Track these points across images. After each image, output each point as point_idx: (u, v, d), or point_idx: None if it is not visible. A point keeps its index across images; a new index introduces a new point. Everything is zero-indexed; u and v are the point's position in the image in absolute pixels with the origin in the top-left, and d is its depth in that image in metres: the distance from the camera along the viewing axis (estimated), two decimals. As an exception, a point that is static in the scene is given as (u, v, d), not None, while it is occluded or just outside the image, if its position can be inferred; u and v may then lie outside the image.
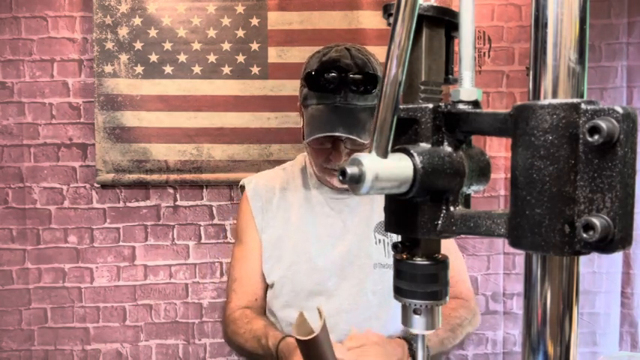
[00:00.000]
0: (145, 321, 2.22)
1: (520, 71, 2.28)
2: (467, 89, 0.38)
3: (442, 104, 0.39)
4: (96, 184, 2.18)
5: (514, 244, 0.33)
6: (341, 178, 0.34)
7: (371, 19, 2.15)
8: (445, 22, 0.42)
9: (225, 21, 2.13)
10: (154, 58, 2.12)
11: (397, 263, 0.42)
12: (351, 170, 0.34)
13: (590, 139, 0.29)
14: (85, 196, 2.19)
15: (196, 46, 2.13)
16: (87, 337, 2.20)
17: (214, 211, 2.23)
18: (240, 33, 2.14)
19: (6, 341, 2.19)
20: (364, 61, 1.06)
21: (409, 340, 1.04)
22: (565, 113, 0.30)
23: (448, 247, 1.21)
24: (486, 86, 2.26)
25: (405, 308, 0.42)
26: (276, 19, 2.14)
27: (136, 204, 2.20)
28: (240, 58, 2.14)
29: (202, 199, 2.22)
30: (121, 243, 2.21)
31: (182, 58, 2.13)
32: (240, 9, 2.13)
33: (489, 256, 2.32)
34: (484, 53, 2.26)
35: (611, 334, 2.33)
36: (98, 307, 2.21)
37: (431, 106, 0.39)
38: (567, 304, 0.33)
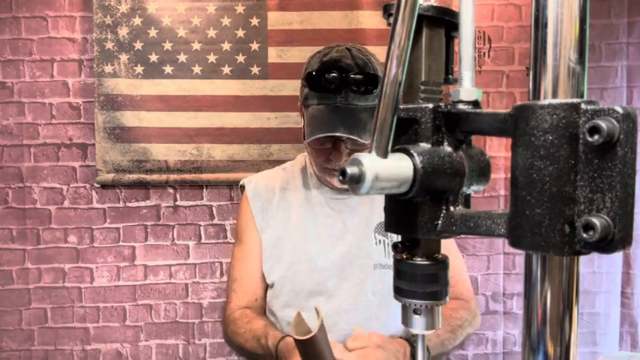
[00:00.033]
0: (145, 321, 2.22)
1: (520, 71, 2.28)
2: (467, 89, 0.38)
3: (442, 104, 0.39)
4: (96, 184, 2.18)
5: (514, 244, 0.33)
6: (341, 178, 0.34)
7: (371, 19, 2.15)
8: (445, 22, 0.42)
9: (225, 21, 2.14)
10: (153, 58, 2.12)
11: (397, 263, 0.42)
12: (351, 170, 0.34)
13: (590, 139, 0.29)
14: (85, 196, 2.19)
15: (196, 46, 2.13)
16: (87, 337, 2.20)
17: (214, 211, 2.23)
18: (240, 33, 2.14)
19: (6, 341, 2.19)
20: (365, 62, 1.06)
21: (411, 342, 1.04)
22: (565, 113, 0.30)
23: (448, 247, 1.21)
24: (486, 86, 2.26)
25: (405, 308, 0.42)
26: (276, 19, 2.14)
27: (135, 204, 2.20)
28: (240, 58, 2.14)
29: (202, 199, 2.22)
30: (121, 243, 2.21)
31: (182, 58, 2.13)
32: (240, 9, 2.13)
33: (489, 256, 2.32)
34: (484, 53, 2.26)
35: (611, 334, 2.33)
36: (98, 307, 2.21)
37: (431, 106, 0.39)
38: (567, 304, 0.33)
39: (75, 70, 2.16)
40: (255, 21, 2.14)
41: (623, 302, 2.33)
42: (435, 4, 0.40)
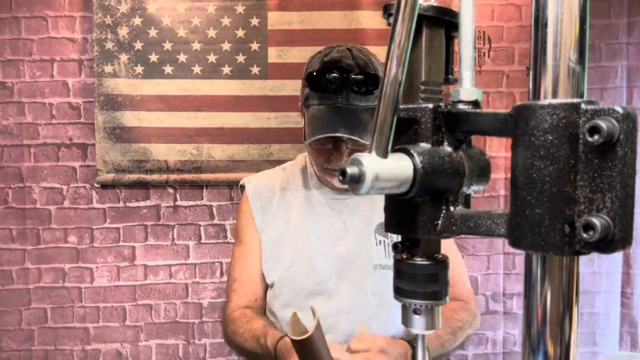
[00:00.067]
0: (145, 321, 2.22)
1: (520, 71, 2.28)
2: (467, 89, 0.38)
3: (442, 104, 0.39)
4: (96, 184, 2.18)
5: (514, 244, 0.33)
6: (341, 178, 0.34)
7: (371, 19, 2.15)
8: (445, 22, 0.42)
9: (225, 21, 2.14)
10: (153, 58, 2.13)
11: (397, 263, 0.42)
12: (351, 170, 0.34)
13: (590, 139, 0.29)
14: (85, 196, 2.19)
15: (196, 46, 2.13)
16: (87, 337, 2.20)
17: (214, 211, 2.23)
18: (240, 33, 2.14)
19: (6, 341, 2.19)
20: (366, 62, 1.06)
21: (413, 344, 1.04)
22: (565, 113, 0.30)
23: (448, 248, 1.21)
24: (486, 86, 2.26)
25: (405, 308, 0.42)
26: (276, 19, 2.14)
27: (135, 204, 2.20)
28: (240, 58, 2.14)
29: (202, 199, 2.22)
30: (121, 243, 2.21)
31: (182, 58, 2.13)
32: (240, 9, 2.13)
33: (489, 256, 2.32)
34: (484, 53, 2.26)
35: (611, 334, 2.33)
36: (98, 307, 2.21)
37: (431, 106, 0.39)
38: (567, 304, 0.33)
39: (75, 70, 2.16)
40: (255, 21, 2.14)
41: (623, 302, 2.33)
42: (435, 4, 0.40)
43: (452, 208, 0.39)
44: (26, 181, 2.16)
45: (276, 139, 2.17)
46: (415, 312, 0.41)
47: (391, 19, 0.36)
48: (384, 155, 0.36)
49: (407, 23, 0.35)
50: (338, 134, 1.02)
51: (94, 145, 2.15)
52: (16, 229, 2.17)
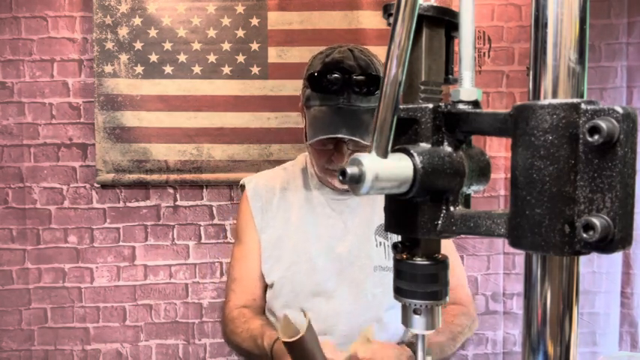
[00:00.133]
0: (145, 321, 2.22)
1: (520, 71, 2.28)
2: (467, 89, 0.38)
3: (442, 104, 0.39)
4: (96, 184, 2.18)
5: (514, 244, 0.33)
6: (341, 178, 0.34)
7: (371, 19, 2.15)
8: (445, 22, 0.42)
9: (225, 21, 2.14)
10: (153, 58, 2.13)
11: (397, 263, 0.42)
12: (351, 170, 0.34)
13: (590, 139, 0.29)
14: (85, 196, 2.19)
15: (196, 46, 2.13)
16: (87, 337, 2.20)
17: (214, 211, 2.23)
18: (240, 33, 2.14)
19: (6, 341, 2.19)
20: (367, 63, 1.06)
21: (414, 349, 1.03)
22: (565, 113, 0.30)
23: (448, 251, 1.20)
24: (486, 86, 2.26)
25: (405, 308, 0.42)
26: (276, 19, 2.14)
27: (136, 204, 2.20)
28: (240, 58, 2.14)
29: (202, 199, 2.22)
30: (121, 243, 2.21)
31: (182, 58, 2.13)
32: (240, 9, 2.13)
33: (489, 256, 2.32)
34: (484, 53, 2.26)
35: (610, 334, 2.33)
36: (98, 307, 2.21)
37: (431, 106, 0.39)
38: (567, 304, 0.33)
39: (75, 70, 2.16)
40: (255, 21, 2.14)
41: (623, 302, 2.33)
42: (435, 4, 0.40)
43: (452, 208, 0.39)
44: (26, 181, 2.16)
45: (276, 139, 2.17)
46: (415, 312, 0.41)
47: (391, 19, 0.36)
48: (384, 155, 0.36)
49: (407, 23, 0.35)
50: (339, 135, 1.02)
51: (94, 145, 2.15)
52: (16, 229, 2.17)
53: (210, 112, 2.15)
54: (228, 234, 2.23)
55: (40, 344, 2.19)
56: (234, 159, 2.17)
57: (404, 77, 0.36)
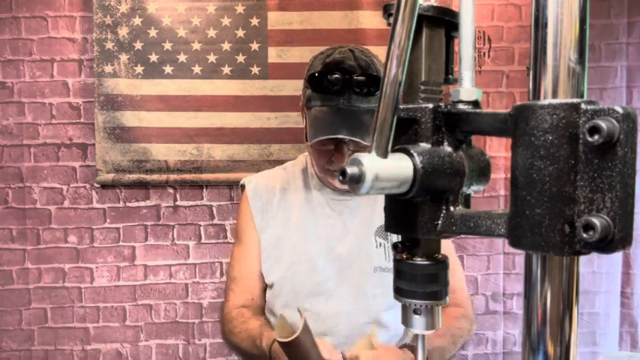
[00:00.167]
0: (145, 321, 2.22)
1: (520, 71, 2.28)
2: (467, 89, 0.38)
3: (442, 104, 0.39)
4: (96, 184, 2.18)
5: (514, 244, 0.33)
6: (341, 178, 0.34)
7: (371, 19, 2.15)
8: (445, 22, 0.42)
9: (225, 21, 2.14)
10: (153, 58, 2.13)
11: (397, 263, 0.42)
12: (351, 170, 0.34)
13: (590, 139, 0.29)
14: (85, 196, 2.19)
15: (196, 46, 2.13)
16: (87, 337, 2.20)
17: (214, 211, 2.23)
18: (240, 33, 2.14)
19: (6, 341, 2.19)
20: (368, 63, 1.06)
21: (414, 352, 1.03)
22: (565, 113, 0.30)
23: (447, 253, 1.20)
24: (486, 86, 2.26)
25: (405, 308, 0.42)
26: (276, 19, 2.14)
27: (136, 204, 2.20)
28: (240, 58, 2.14)
29: (202, 199, 2.22)
30: (121, 243, 2.21)
31: (182, 58, 2.13)
32: (240, 9, 2.13)
33: (489, 256, 2.32)
34: (484, 53, 2.26)
35: (610, 334, 2.33)
36: (98, 307, 2.21)
37: (431, 106, 0.39)
38: (567, 304, 0.33)
39: (75, 70, 2.16)
40: (255, 21, 2.14)
41: (623, 302, 2.33)
42: (435, 4, 0.40)
43: (452, 208, 0.39)
44: (26, 181, 2.16)
45: (276, 139, 2.17)
46: (415, 312, 0.41)
47: (391, 19, 0.36)
48: (384, 155, 0.36)
49: (407, 23, 0.35)
50: (340, 136, 1.02)
51: (94, 145, 2.15)
52: (16, 229, 2.17)
53: (210, 112, 2.15)
54: (228, 234, 2.23)
55: (40, 344, 2.19)
56: (234, 159, 2.17)
57: (404, 77, 0.36)
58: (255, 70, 2.15)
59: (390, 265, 1.13)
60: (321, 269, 1.14)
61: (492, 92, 2.28)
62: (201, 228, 2.23)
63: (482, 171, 0.40)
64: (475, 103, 0.38)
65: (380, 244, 1.16)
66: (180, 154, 2.16)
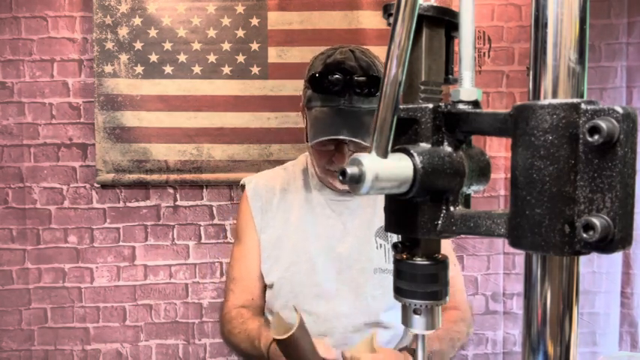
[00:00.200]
0: (145, 321, 2.22)
1: (520, 71, 2.28)
2: (467, 89, 0.38)
3: (442, 104, 0.39)
4: (96, 184, 2.18)
5: (514, 244, 0.33)
6: (341, 178, 0.34)
7: (371, 19, 2.15)
8: (445, 22, 0.42)
9: (225, 21, 2.14)
10: (153, 58, 2.13)
11: (397, 263, 0.42)
12: (351, 170, 0.34)
13: (590, 139, 0.29)
14: (85, 196, 2.19)
15: (196, 46, 2.13)
16: (87, 337, 2.20)
17: (214, 211, 2.23)
18: (240, 33, 2.14)
19: (6, 341, 2.19)
20: (369, 64, 1.06)
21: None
22: (565, 113, 0.30)
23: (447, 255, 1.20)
24: (486, 86, 2.26)
25: (405, 308, 0.42)
26: (276, 19, 2.14)
27: (136, 204, 2.20)
28: (240, 58, 2.14)
29: (202, 199, 2.22)
30: (121, 243, 2.21)
31: (182, 58, 2.13)
32: (240, 9, 2.13)
33: (489, 256, 2.32)
34: (484, 53, 2.26)
35: (610, 334, 2.33)
36: (98, 307, 2.21)
37: (431, 106, 0.39)
38: (567, 304, 0.33)
39: (75, 70, 2.16)
40: (255, 21, 2.14)
41: (623, 302, 2.33)
42: (435, 4, 0.40)
43: (452, 208, 0.39)
44: (26, 181, 2.16)
45: (276, 139, 2.17)
46: (415, 312, 0.41)
47: (391, 19, 0.36)
48: (384, 155, 0.36)
49: (407, 23, 0.35)
50: (340, 137, 1.02)
51: (94, 145, 2.15)
52: (16, 229, 2.17)
53: (210, 112, 2.15)
54: (228, 234, 2.23)
55: (40, 344, 2.19)
56: (234, 159, 2.17)
57: (404, 77, 0.36)
58: (255, 70, 2.15)
59: (390, 266, 1.12)
60: (321, 269, 1.14)
61: (492, 92, 2.28)
62: (201, 228, 2.23)
63: (483, 171, 0.40)
64: (475, 103, 0.38)
65: (380, 245, 1.16)
66: (180, 154, 2.16)
